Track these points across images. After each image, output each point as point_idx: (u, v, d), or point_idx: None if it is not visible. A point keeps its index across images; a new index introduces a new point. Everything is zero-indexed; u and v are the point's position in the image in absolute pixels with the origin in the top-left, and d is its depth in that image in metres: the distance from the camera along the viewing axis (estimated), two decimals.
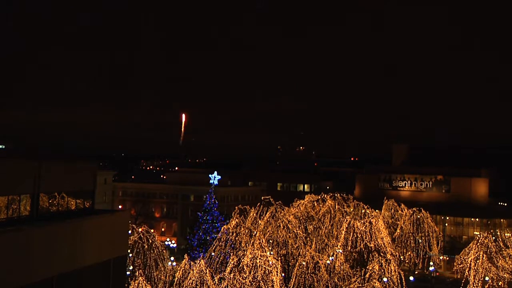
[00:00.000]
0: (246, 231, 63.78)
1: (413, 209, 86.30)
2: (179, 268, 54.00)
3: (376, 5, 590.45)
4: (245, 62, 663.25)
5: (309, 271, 55.89)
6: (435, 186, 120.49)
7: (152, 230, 65.02)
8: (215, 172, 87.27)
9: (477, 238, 72.91)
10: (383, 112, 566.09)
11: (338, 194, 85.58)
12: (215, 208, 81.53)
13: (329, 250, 66.02)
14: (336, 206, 78.06)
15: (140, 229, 61.41)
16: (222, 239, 62.35)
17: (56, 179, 31.23)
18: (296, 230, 65.57)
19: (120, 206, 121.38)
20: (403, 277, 59.04)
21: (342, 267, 58.69)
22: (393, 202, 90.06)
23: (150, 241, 59.81)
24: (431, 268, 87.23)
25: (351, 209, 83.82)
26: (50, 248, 27.80)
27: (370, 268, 58.42)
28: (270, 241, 64.40)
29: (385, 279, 57.62)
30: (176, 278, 52.62)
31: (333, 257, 61.00)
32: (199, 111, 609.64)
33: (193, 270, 50.44)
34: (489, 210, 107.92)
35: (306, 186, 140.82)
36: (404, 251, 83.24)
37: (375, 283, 54.01)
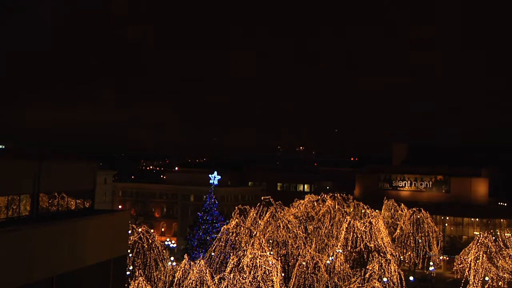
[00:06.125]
0: (246, 231, 63.85)
1: (413, 209, 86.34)
2: (179, 268, 54.03)
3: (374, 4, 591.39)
4: (244, 62, 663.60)
5: (309, 271, 55.94)
6: (435, 186, 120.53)
7: (152, 230, 65.07)
8: (215, 172, 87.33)
9: (477, 238, 72.96)
10: (383, 112, 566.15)
11: (338, 194, 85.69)
12: (215, 208, 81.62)
13: (329, 250, 66.11)
14: (336, 206, 78.13)
15: (140, 229, 61.44)
16: (222, 239, 62.41)
17: (56, 179, 31.24)
18: (296, 230, 65.65)
19: (120, 206, 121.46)
20: (403, 277, 59.09)
21: (342, 267, 58.75)
22: (393, 202, 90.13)
23: (150, 241, 59.86)
24: (431, 268, 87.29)
25: (351, 209, 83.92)
26: (50, 248, 27.81)
27: (370, 268, 58.48)
28: (270, 241, 64.47)
29: (385, 279, 57.67)
30: (176, 278, 52.64)
31: (333, 257, 61.06)
32: (198, 111, 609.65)
33: (193, 270, 50.49)
34: (489, 210, 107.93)
35: (306, 186, 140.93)
36: (404, 251, 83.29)
37: (375, 283, 54.05)
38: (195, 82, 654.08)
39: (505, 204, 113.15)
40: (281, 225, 65.18)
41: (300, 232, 66.54)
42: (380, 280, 56.47)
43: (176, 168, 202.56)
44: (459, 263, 74.44)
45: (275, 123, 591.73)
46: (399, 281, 58.35)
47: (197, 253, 75.35)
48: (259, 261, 51.93)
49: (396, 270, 59.05)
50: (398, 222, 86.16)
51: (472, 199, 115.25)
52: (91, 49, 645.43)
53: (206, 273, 50.03)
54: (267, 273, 51.68)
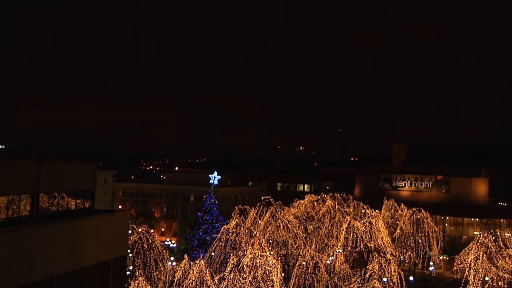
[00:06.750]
0: (246, 231, 63.83)
1: (413, 209, 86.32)
2: (179, 268, 54.03)
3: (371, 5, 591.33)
4: (243, 62, 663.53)
5: (309, 271, 55.92)
6: (435, 186, 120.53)
7: (152, 230, 65.06)
8: (215, 172, 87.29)
9: (477, 238, 72.95)
10: (383, 112, 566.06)
11: (338, 194, 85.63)
12: (215, 208, 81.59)
13: (329, 250, 66.09)
14: (336, 206, 78.08)
15: (140, 229, 61.44)
16: (222, 239, 62.39)
17: (56, 179, 31.23)
18: (296, 230, 65.61)
19: (120, 206, 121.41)
20: (403, 277, 59.06)
21: (342, 267, 58.73)
22: (393, 202, 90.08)
23: (150, 241, 59.85)
24: (431, 268, 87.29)
25: (351, 209, 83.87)
26: (50, 248, 27.81)
27: (370, 268, 58.44)
28: (270, 241, 64.45)
29: (385, 279, 57.64)
30: (176, 278, 52.64)
31: (333, 257, 61.05)
32: (198, 111, 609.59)
33: (193, 270, 50.48)
34: (489, 210, 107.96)
35: (306, 186, 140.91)
36: (404, 251, 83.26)
37: (375, 283, 54.02)
38: (195, 82, 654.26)
39: (505, 204, 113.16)
40: (281, 225, 65.15)
41: (300, 232, 66.49)
42: (380, 280, 56.43)
43: (176, 168, 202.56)
44: (459, 263, 74.43)
45: (275, 123, 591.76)
46: (399, 281, 58.30)
47: (197, 253, 75.34)
48: (259, 261, 51.91)
49: (396, 270, 58.99)
50: (398, 222, 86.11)
51: (472, 199, 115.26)
52: (91, 49, 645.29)
53: (206, 273, 50.02)
54: (267, 273, 51.66)
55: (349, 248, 66.90)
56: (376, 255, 62.02)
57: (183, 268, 52.42)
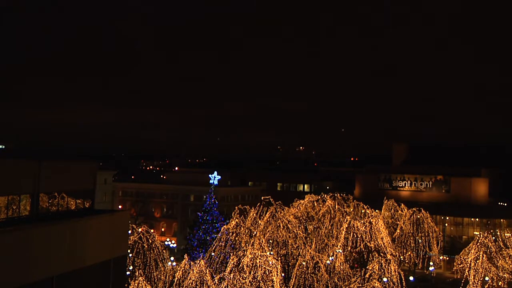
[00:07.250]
0: (246, 231, 63.81)
1: (413, 209, 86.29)
2: (179, 268, 54.03)
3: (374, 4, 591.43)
4: (243, 62, 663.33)
5: (309, 271, 55.91)
6: (435, 186, 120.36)
7: (152, 230, 65.03)
8: (215, 172, 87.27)
9: (477, 238, 72.95)
10: (383, 112, 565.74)
11: (338, 194, 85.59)
12: (215, 208, 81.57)
13: (329, 250, 66.06)
14: (336, 206, 78.05)
15: (140, 229, 61.42)
16: (222, 239, 62.40)
17: (56, 179, 31.26)
18: (296, 230, 65.60)
19: (120, 206, 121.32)
20: (403, 277, 59.05)
21: (342, 267, 58.71)
22: (393, 202, 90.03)
23: (150, 241, 59.84)
24: (431, 268, 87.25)
25: (351, 209, 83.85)
26: (50, 248, 27.81)
27: (370, 268, 58.43)
28: (270, 241, 64.43)
29: (385, 279, 57.63)
30: (176, 278, 52.64)
31: (333, 257, 61.03)
32: (199, 111, 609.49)
33: (193, 270, 50.48)
34: (489, 210, 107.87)
35: (306, 186, 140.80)
36: (404, 251, 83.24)
37: (375, 283, 54.01)
38: (195, 82, 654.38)
39: (505, 204, 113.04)
40: (281, 225, 65.13)
41: (300, 232, 66.48)
42: (380, 280, 56.42)
43: (176, 168, 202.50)
44: (459, 263, 74.43)
45: (275, 123, 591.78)
46: (399, 281, 58.29)
47: (197, 253, 75.33)
48: (259, 261, 51.91)
49: (396, 270, 58.97)
50: (398, 222, 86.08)
51: (472, 199, 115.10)
52: (91, 49, 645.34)
53: (206, 273, 50.02)
54: (267, 273, 51.66)
55: (349, 248, 66.90)
56: (376, 255, 62.01)
57: (183, 268, 52.43)
